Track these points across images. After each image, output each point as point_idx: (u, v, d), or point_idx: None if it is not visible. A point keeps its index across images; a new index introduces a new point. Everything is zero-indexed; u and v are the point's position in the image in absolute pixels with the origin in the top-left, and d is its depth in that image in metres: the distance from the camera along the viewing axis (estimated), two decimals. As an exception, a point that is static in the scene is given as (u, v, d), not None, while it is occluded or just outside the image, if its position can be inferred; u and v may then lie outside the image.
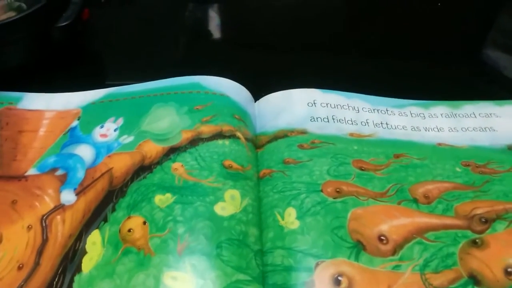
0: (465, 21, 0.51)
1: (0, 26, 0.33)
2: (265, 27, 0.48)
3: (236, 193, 0.29)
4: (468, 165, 0.32)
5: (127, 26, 0.47)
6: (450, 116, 0.36)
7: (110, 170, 0.30)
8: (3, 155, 0.32)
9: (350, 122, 0.35)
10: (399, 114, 0.36)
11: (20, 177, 0.30)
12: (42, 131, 0.33)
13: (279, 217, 0.28)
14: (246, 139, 0.33)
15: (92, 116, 0.34)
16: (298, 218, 0.28)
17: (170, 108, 0.34)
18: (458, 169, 0.32)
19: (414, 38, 0.47)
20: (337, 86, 0.37)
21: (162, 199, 0.28)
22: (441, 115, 0.36)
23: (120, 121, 0.34)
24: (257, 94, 0.37)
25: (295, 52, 0.45)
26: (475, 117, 0.36)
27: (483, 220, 0.28)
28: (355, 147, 0.33)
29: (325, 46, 0.46)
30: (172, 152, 0.31)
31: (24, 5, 0.35)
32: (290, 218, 0.28)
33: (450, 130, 0.35)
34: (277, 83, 0.38)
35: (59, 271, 0.26)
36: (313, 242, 0.27)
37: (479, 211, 0.29)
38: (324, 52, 0.46)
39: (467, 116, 0.36)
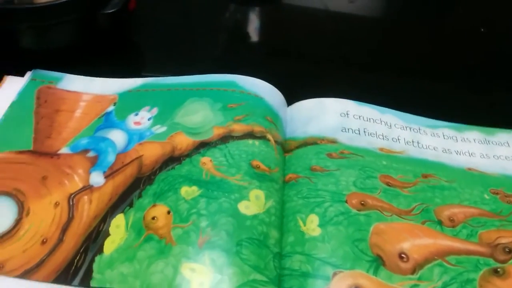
0: (508, 47, 0.50)
1: (48, 7, 0.34)
2: (304, 35, 0.49)
3: (261, 193, 0.29)
4: (497, 193, 0.32)
5: (170, 20, 0.48)
6: (483, 142, 0.36)
7: (140, 157, 0.31)
8: (39, 131, 0.33)
9: (381, 137, 0.35)
10: (431, 134, 0.36)
11: (53, 155, 0.31)
12: (78, 113, 0.34)
13: (301, 223, 0.28)
14: (276, 142, 0.33)
15: (128, 103, 0.35)
16: (320, 225, 0.28)
17: (204, 103, 0.35)
18: (486, 196, 0.31)
19: (453, 60, 0.47)
20: (371, 100, 0.37)
21: (188, 191, 0.29)
22: (474, 140, 0.36)
23: (155, 110, 0.34)
24: (290, 99, 0.37)
25: (332, 63, 0.45)
26: (509, 146, 0.36)
27: (507, 250, 0.28)
28: (384, 162, 0.33)
29: (363, 60, 0.46)
30: (203, 146, 0.32)
31: (74, -11, 0.36)
32: (312, 225, 0.28)
33: (482, 157, 0.35)
34: (311, 90, 0.38)
35: (81, 249, 0.26)
36: (332, 251, 0.27)
37: (503, 241, 0.28)
38: (361, 66, 0.46)
39: (500, 144, 0.36)
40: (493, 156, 0.35)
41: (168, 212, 0.28)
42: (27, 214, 0.28)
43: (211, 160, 0.31)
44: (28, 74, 0.37)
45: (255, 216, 0.28)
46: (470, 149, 0.35)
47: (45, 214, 0.28)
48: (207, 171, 0.30)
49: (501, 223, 0.30)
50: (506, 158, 0.35)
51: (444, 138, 0.36)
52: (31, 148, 0.31)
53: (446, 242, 0.28)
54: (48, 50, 0.37)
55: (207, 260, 0.25)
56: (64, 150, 0.31)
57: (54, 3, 0.34)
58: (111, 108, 0.35)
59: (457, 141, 0.36)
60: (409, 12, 0.55)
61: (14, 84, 0.36)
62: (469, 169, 0.34)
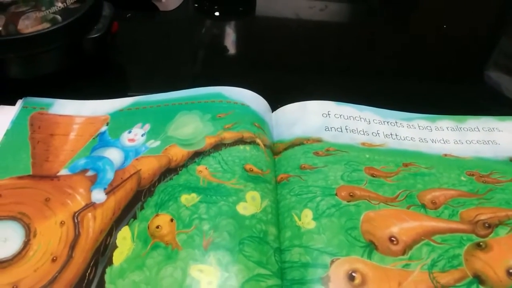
0: (470, 44, 0.53)
1: (35, 36, 0.35)
2: (280, 44, 0.51)
3: (256, 194, 0.31)
4: (473, 175, 0.34)
5: (150, 40, 0.49)
6: (455, 129, 0.38)
7: (138, 171, 0.32)
8: (36, 156, 0.34)
9: (362, 132, 0.37)
10: (407, 126, 0.38)
11: (53, 177, 0.32)
12: (72, 135, 0.35)
13: (296, 218, 0.30)
14: (265, 145, 0.35)
15: (120, 122, 0.37)
16: (314, 219, 0.30)
17: (194, 116, 0.36)
18: (463, 178, 0.34)
19: (422, 58, 0.50)
20: (349, 100, 0.39)
21: (188, 199, 0.30)
22: (447, 128, 0.39)
23: (147, 127, 0.36)
24: (274, 105, 0.39)
25: (310, 68, 0.47)
26: (479, 131, 0.38)
27: (487, 225, 0.30)
28: (367, 156, 0.35)
29: (339, 64, 0.49)
30: (197, 156, 0.33)
31: (59, 17, 0.37)
32: (306, 219, 0.30)
33: (455, 142, 0.37)
34: (292, 96, 0.40)
35: (91, 263, 0.28)
36: (328, 241, 0.29)
37: (482, 217, 0.31)
38: (337, 69, 0.48)
39: (471, 129, 0.38)
40: (466, 141, 0.37)
41: (171, 220, 0.29)
42: (35, 235, 0.29)
43: (206, 168, 0.32)
44: (19, 103, 0.38)
45: (253, 216, 0.29)
46: (444, 137, 0.38)
47: (52, 234, 0.29)
48: (203, 178, 0.32)
49: (479, 202, 0.32)
50: (477, 142, 0.37)
51: (419, 128, 0.38)
52: (31, 173, 0.32)
53: (431, 223, 0.30)
54: (37, 78, 0.38)
55: (213, 260, 0.27)
56: (63, 171, 0.33)
57: (42, 32, 0.35)
58: (104, 128, 0.36)
59: (431, 130, 0.38)
60: (376, 15, 0.58)
61: (6, 113, 0.37)
62: (445, 155, 0.36)
